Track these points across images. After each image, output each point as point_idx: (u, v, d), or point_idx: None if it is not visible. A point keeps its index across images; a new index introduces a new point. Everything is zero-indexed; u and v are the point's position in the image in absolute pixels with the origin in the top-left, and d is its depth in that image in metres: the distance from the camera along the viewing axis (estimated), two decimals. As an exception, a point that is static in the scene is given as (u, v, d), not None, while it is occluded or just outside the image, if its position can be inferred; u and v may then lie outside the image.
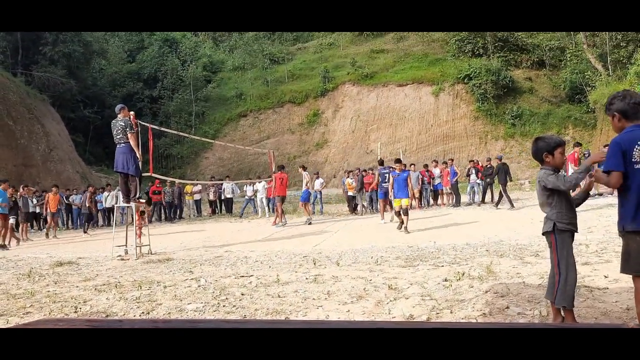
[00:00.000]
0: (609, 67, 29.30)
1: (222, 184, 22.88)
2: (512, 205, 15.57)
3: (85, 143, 40.36)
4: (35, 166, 29.53)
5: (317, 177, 20.22)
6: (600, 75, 29.38)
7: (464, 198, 18.94)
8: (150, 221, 19.77)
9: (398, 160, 12.60)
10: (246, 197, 21.42)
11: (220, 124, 43.77)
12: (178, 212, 22.17)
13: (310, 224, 15.10)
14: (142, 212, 10.50)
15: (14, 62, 38.21)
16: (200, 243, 11.79)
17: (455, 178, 18.41)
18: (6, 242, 13.46)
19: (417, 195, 18.71)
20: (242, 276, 6.89)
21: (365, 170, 20.20)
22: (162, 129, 19.37)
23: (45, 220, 20.62)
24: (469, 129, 34.99)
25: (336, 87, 42.02)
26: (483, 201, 18.22)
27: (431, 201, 19.86)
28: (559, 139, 4.03)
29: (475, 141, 34.22)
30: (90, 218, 18.76)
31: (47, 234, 16.78)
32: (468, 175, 18.71)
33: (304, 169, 16.68)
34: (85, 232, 17.33)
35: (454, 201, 18.61)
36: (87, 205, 18.09)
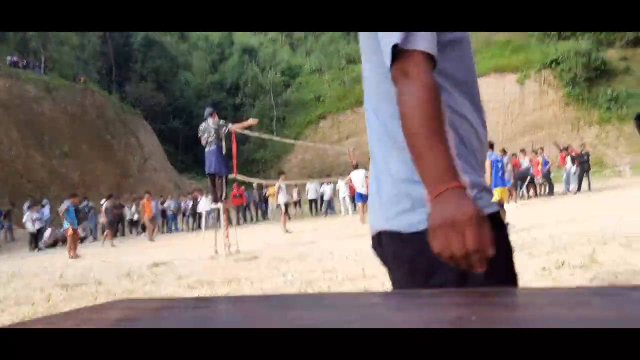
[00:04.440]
0: None
1: (305, 185, 23.22)
2: None
3: (175, 152, 42.53)
4: (132, 176, 31.53)
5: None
6: None
7: (559, 188, 17.90)
8: (238, 223, 20.45)
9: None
10: (326, 199, 21.54)
11: (300, 127, 44.45)
12: (260, 213, 22.82)
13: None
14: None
15: (109, 80, 41.11)
16: (286, 241, 11.95)
17: (547, 167, 17.46)
18: (72, 254, 13.23)
19: None
20: (329, 271, 6.86)
21: None
22: (246, 131, 19.85)
23: (143, 227, 21.97)
24: (558, 116, 33.03)
25: (415, 82, 41.33)
26: (579, 189, 17.12)
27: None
28: None
29: (567, 128, 32.22)
30: None
31: (151, 239, 17.27)
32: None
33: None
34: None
35: (547, 191, 17.68)
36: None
